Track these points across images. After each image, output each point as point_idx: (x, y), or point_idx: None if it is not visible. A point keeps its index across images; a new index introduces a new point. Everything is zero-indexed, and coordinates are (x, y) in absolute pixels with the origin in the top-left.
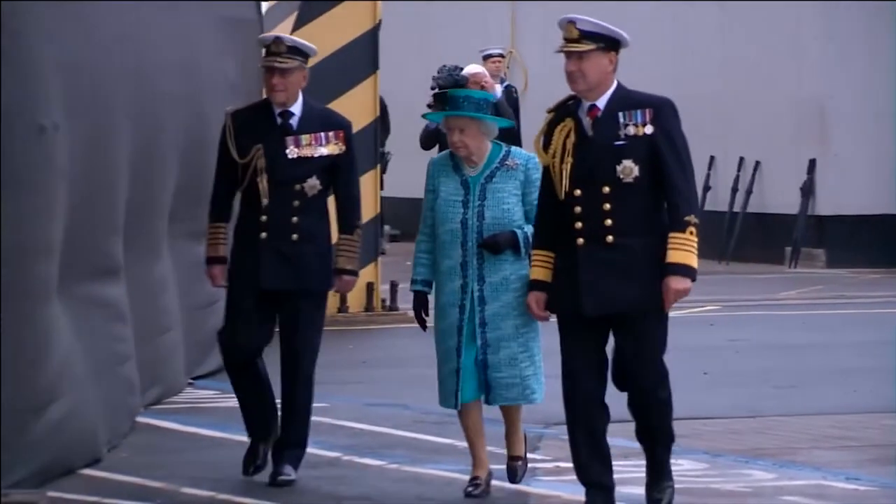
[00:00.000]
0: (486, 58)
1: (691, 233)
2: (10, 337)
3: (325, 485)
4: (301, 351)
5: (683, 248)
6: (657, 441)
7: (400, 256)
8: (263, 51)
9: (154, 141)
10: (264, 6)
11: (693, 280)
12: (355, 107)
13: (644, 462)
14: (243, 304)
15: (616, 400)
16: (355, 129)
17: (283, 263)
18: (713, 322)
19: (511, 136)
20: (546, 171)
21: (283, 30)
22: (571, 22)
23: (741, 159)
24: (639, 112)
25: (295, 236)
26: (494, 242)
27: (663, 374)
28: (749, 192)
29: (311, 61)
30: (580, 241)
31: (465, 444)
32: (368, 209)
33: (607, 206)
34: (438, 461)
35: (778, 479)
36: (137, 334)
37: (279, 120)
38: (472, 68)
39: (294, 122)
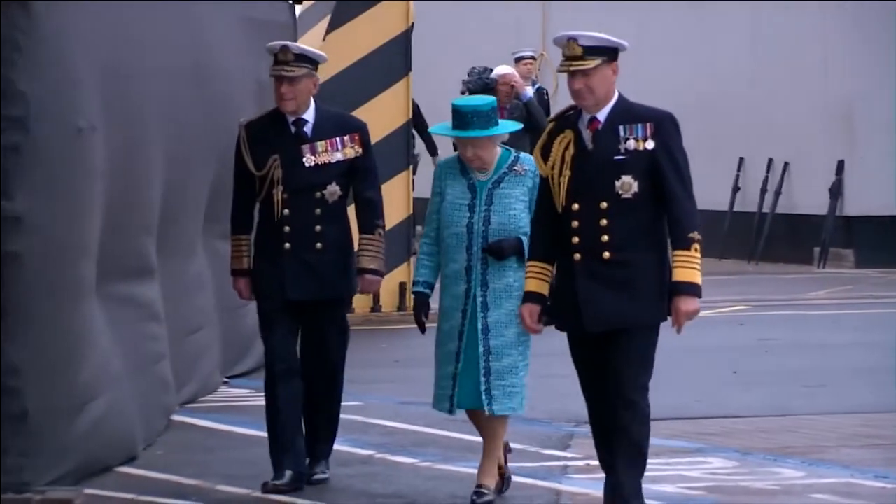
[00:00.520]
0: (518, 60)
1: (696, 249)
2: (49, 336)
3: (357, 483)
4: (329, 358)
5: (689, 266)
6: (624, 452)
7: None
8: (272, 60)
9: (189, 142)
10: (298, 9)
11: (699, 297)
12: (388, 109)
13: (676, 459)
14: (276, 316)
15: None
16: (388, 130)
17: (307, 273)
18: (743, 322)
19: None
20: (545, 182)
21: (317, 33)
22: (572, 39)
23: (770, 160)
24: (640, 126)
25: (319, 245)
26: (499, 248)
27: (645, 393)
28: (778, 192)
29: (344, 64)
30: (577, 256)
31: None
32: (401, 210)
33: (604, 221)
34: (471, 459)
35: (807, 478)
36: (172, 333)
37: (293, 128)
38: (502, 70)
39: (308, 129)
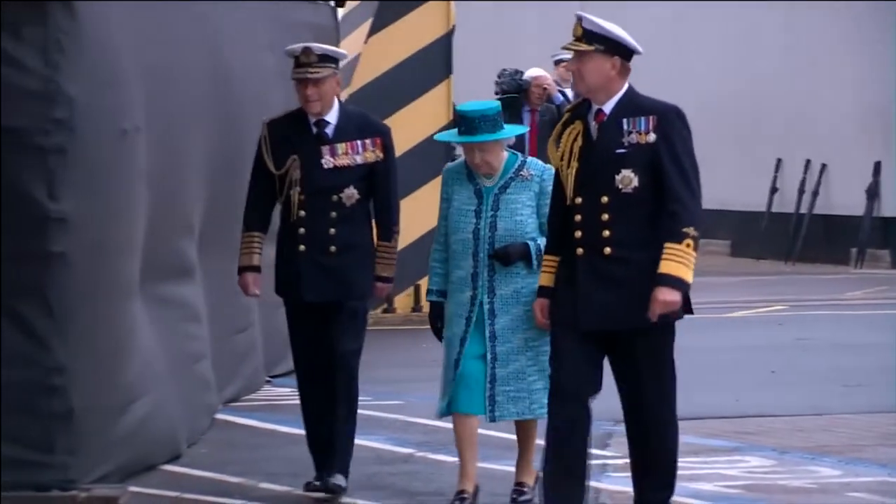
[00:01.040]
0: (557, 62)
1: (688, 245)
2: (95, 336)
3: (399, 481)
4: (341, 363)
5: (677, 260)
6: (651, 476)
7: None
8: (293, 62)
9: (232, 143)
10: (340, 13)
11: (684, 294)
12: (428, 112)
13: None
14: (297, 315)
15: (679, 397)
16: (428, 133)
17: (322, 276)
18: (781, 322)
19: None
20: (557, 174)
21: (359, 36)
22: (579, 19)
23: (807, 162)
24: (643, 119)
25: (333, 248)
26: (505, 254)
27: (672, 404)
28: (815, 193)
29: (385, 67)
30: (580, 250)
31: (541, 441)
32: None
33: (605, 216)
34: (511, 458)
35: (844, 476)
36: (217, 333)
37: (314, 129)
38: (534, 72)
39: (330, 130)
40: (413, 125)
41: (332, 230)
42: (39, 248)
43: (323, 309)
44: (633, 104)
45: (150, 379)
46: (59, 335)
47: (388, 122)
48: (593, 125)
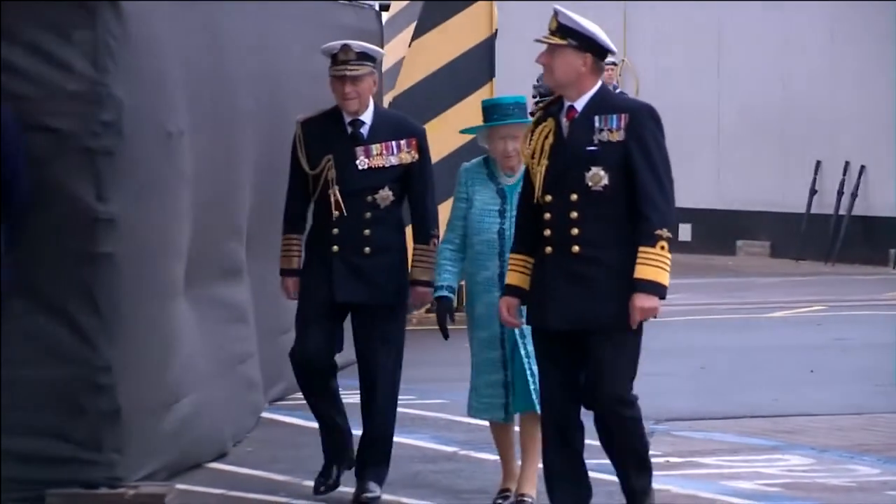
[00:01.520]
0: None
1: (662, 248)
2: (141, 335)
3: (442, 479)
4: (375, 368)
5: (652, 264)
6: (626, 464)
7: None
8: (330, 60)
9: (279, 146)
10: (384, 16)
11: (662, 298)
12: (471, 115)
13: (755, 457)
14: (313, 316)
15: (719, 397)
16: (470, 137)
17: (355, 276)
18: (820, 322)
19: None
20: (526, 171)
21: (403, 39)
22: (554, 12)
23: (847, 163)
24: (615, 117)
25: (367, 249)
26: None
27: (628, 399)
28: (854, 195)
29: (429, 70)
30: (549, 249)
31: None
32: None
33: (574, 214)
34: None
35: (883, 475)
36: (264, 333)
37: (349, 129)
38: None
39: (364, 130)
40: (456, 128)
41: (367, 231)
42: (87, 249)
43: (353, 312)
44: (606, 102)
45: (196, 378)
46: (107, 334)
47: (430, 125)
48: (564, 122)
